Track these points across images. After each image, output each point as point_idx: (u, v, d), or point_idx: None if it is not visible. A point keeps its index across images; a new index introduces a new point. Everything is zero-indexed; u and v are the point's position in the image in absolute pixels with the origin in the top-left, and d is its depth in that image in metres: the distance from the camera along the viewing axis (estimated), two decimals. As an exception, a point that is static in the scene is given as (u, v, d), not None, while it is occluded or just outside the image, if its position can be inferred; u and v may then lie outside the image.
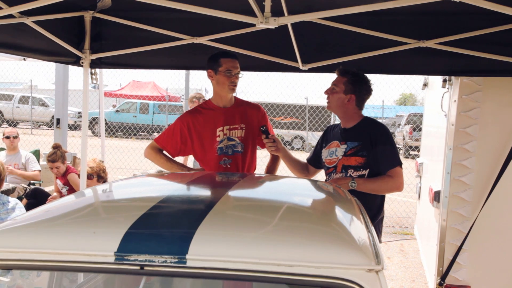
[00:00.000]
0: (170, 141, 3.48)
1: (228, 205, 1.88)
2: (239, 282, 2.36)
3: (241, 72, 3.44)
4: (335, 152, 3.33)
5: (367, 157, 3.22)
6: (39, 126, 24.69)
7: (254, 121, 3.52)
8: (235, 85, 3.41)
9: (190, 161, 6.16)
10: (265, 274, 1.40)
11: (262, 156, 3.80)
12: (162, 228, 1.60)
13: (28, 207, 5.40)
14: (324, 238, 1.55)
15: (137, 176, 3.99)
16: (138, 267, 1.42)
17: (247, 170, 3.48)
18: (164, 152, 3.50)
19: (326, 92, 3.40)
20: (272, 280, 1.42)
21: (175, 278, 2.26)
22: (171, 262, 1.41)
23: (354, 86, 3.32)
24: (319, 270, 1.39)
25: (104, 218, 1.78)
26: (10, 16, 3.23)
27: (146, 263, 1.41)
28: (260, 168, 3.85)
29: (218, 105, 3.48)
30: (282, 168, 3.76)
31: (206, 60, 3.48)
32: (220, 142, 3.41)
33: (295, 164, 3.65)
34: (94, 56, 4.14)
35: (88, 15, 3.94)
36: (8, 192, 6.17)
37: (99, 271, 1.91)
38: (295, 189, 2.40)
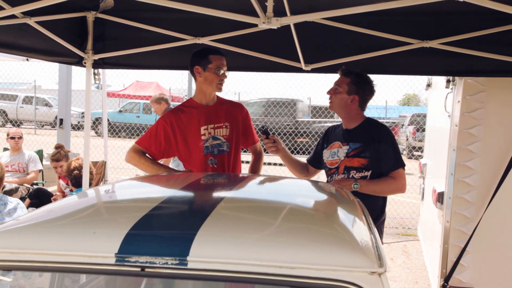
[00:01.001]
0: (153, 142, 3.32)
1: (229, 207, 1.87)
2: (240, 284, 2.35)
3: (229, 71, 3.37)
4: (337, 153, 3.32)
5: (370, 158, 3.20)
6: (42, 126, 24.75)
7: (238, 119, 3.45)
8: (223, 84, 3.34)
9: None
10: (267, 276, 1.39)
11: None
12: (163, 230, 1.59)
13: (31, 207, 5.42)
14: (326, 240, 1.54)
15: (139, 177, 3.96)
16: (139, 269, 1.41)
17: (232, 169, 3.40)
18: (147, 155, 3.35)
19: (329, 92, 3.38)
20: (274, 282, 1.41)
21: (176, 280, 2.26)
22: (172, 264, 1.40)
23: (357, 87, 3.30)
24: (321, 272, 1.38)
25: (105, 219, 1.77)
26: (13, 16, 3.23)
27: (147, 264, 1.41)
28: (244, 167, 3.78)
29: (201, 103, 3.38)
30: (286, 168, 3.74)
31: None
32: (206, 141, 3.31)
33: (294, 165, 3.63)
34: (97, 57, 4.14)
35: (90, 16, 3.94)
36: (11, 192, 6.19)
37: (99, 273, 1.90)
38: (297, 191, 2.39)
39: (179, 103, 3.69)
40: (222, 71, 3.29)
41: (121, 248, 1.43)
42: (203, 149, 3.31)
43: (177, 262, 1.40)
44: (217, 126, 3.36)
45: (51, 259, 1.48)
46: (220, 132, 3.36)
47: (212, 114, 3.36)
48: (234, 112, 3.45)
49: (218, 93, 3.48)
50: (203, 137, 3.31)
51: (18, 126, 20.71)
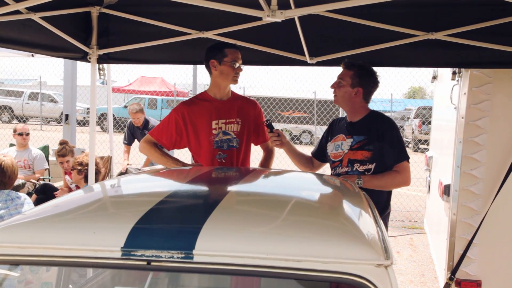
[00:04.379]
0: (165, 133, 3.37)
1: (234, 200, 1.87)
2: (246, 277, 2.35)
3: (243, 64, 3.38)
4: (341, 146, 3.31)
5: (374, 151, 3.19)
6: (48, 122, 24.85)
7: (250, 116, 3.45)
8: (238, 76, 3.35)
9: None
10: (273, 269, 1.39)
11: (254, 150, 3.73)
12: (168, 223, 1.60)
13: (38, 203, 5.44)
14: (333, 232, 1.54)
15: (145, 171, 3.95)
16: (145, 262, 1.42)
17: (241, 165, 3.40)
18: (160, 146, 3.39)
19: (332, 86, 3.36)
20: (280, 275, 1.41)
21: (182, 273, 2.26)
22: (178, 258, 1.40)
23: (361, 79, 3.28)
24: (328, 265, 1.38)
25: (110, 214, 1.78)
26: (17, 12, 3.23)
27: (153, 258, 1.41)
28: (254, 164, 3.77)
29: (215, 97, 3.39)
30: (290, 162, 3.73)
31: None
32: (216, 136, 3.32)
33: (299, 158, 3.62)
34: (101, 52, 4.14)
35: (95, 11, 3.94)
36: (17, 188, 6.22)
37: (106, 267, 1.91)
38: (302, 184, 2.39)
39: (186, 98, 3.72)
40: (237, 64, 3.30)
41: (127, 242, 1.44)
42: (213, 143, 3.32)
43: (183, 255, 1.40)
44: (229, 122, 3.36)
45: (57, 253, 1.48)
46: (231, 127, 3.37)
47: (225, 109, 3.36)
48: (246, 108, 3.46)
49: (232, 88, 3.48)
50: (213, 132, 3.33)
51: (24, 122, 20.76)
